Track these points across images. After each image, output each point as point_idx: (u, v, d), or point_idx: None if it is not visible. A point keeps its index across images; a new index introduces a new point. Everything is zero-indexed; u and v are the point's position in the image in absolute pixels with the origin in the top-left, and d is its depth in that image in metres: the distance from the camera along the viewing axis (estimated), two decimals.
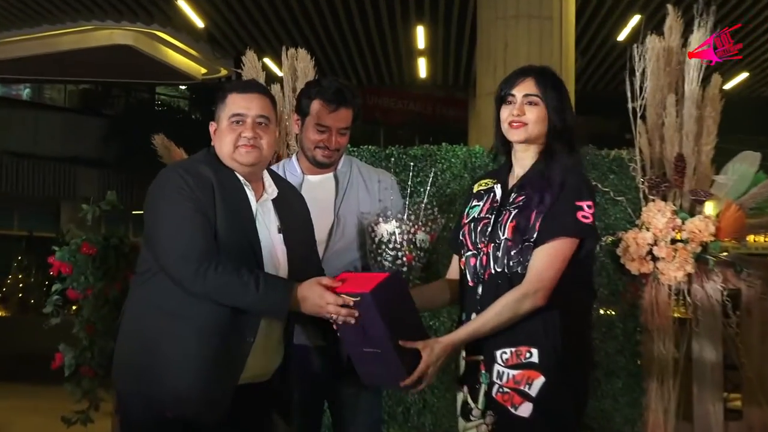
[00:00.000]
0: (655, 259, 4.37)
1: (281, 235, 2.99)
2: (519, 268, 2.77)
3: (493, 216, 2.89)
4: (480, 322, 2.76)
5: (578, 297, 2.84)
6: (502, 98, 2.93)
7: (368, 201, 3.55)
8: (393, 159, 4.78)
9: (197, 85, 19.55)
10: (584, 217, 2.75)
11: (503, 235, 2.82)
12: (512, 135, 2.89)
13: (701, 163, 4.50)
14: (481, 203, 2.98)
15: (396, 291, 2.78)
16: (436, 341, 2.74)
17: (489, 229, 2.87)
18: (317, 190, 3.52)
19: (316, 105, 3.49)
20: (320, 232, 3.34)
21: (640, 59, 4.50)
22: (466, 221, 2.99)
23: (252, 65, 4.96)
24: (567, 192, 2.76)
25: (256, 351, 2.86)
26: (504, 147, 2.99)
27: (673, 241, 4.35)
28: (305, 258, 3.08)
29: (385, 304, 2.69)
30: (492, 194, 2.96)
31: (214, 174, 2.89)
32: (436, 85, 20.07)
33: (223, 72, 16.22)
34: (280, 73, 4.99)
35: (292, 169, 3.60)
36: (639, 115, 4.53)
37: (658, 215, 4.38)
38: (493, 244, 2.84)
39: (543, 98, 2.86)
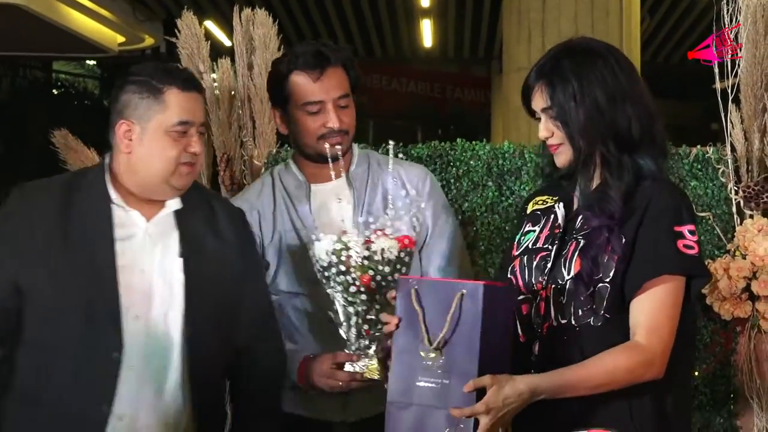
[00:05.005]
0: (754, 298, 4.38)
1: (182, 259, 3.13)
2: (592, 319, 2.76)
3: (555, 247, 2.88)
4: (581, 373, 2.70)
5: (681, 361, 2.82)
6: (530, 110, 2.97)
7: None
8: None
9: (112, 60, 19.51)
10: (687, 246, 2.73)
11: (568, 274, 2.81)
12: (556, 160, 2.93)
13: None
14: (537, 228, 2.98)
15: (504, 310, 2.73)
16: (509, 378, 2.62)
17: (549, 264, 2.86)
18: (332, 205, 3.54)
19: (294, 81, 3.48)
20: None
21: (731, 20, 4.51)
22: (517, 253, 2.99)
23: (190, 32, 4.93)
24: (657, 214, 2.76)
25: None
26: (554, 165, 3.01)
27: None
28: (219, 304, 3.19)
29: (491, 317, 2.66)
30: (553, 216, 2.96)
31: (79, 197, 3.08)
32: (446, 57, 20.16)
33: (149, 41, 16.12)
34: (228, 43, 4.98)
35: (291, 177, 3.61)
36: (731, 97, 4.55)
37: (758, 237, 4.38)
38: (554, 287, 2.83)
39: (556, 109, 2.84)
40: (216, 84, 4.86)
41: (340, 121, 3.45)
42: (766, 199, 4.47)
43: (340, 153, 3.41)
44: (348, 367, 3.14)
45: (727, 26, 4.51)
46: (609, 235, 2.75)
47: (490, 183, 4.74)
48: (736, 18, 4.53)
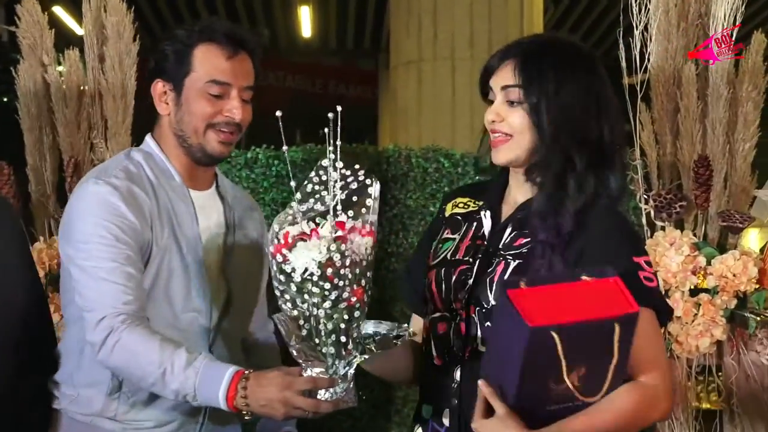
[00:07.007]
0: None
1: None
2: None
3: (478, 261, 2.72)
4: (588, 422, 2.48)
5: None
6: (483, 91, 2.78)
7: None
8: (260, 167, 4.64)
9: None
10: (647, 279, 2.61)
11: (495, 298, 2.64)
12: (494, 156, 2.74)
13: (736, 169, 4.52)
14: (457, 237, 2.83)
15: None
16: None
17: (470, 281, 2.71)
18: (210, 216, 3.20)
19: (202, 53, 3.07)
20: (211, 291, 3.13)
21: (640, 10, 4.55)
22: (433, 263, 2.84)
23: (33, 19, 4.84)
24: (612, 244, 2.63)
25: None
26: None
27: (694, 292, 4.33)
28: (9, 314, 3.05)
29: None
30: (476, 224, 2.81)
31: None
32: (328, 49, 20.19)
33: None
34: (80, 31, 4.79)
35: (164, 175, 3.15)
36: (640, 95, 4.56)
37: (669, 251, 4.36)
38: (478, 309, 2.67)
39: (525, 91, 2.65)
40: (63, 78, 4.73)
41: (241, 114, 3.06)
42: (678, 209, 4.45)
43: (227, 152, 3.13)
44: (324, 394, 2.72)
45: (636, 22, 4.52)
46: (551, 255, 2.61)
47: None
48: (646, 8, 4.53)
